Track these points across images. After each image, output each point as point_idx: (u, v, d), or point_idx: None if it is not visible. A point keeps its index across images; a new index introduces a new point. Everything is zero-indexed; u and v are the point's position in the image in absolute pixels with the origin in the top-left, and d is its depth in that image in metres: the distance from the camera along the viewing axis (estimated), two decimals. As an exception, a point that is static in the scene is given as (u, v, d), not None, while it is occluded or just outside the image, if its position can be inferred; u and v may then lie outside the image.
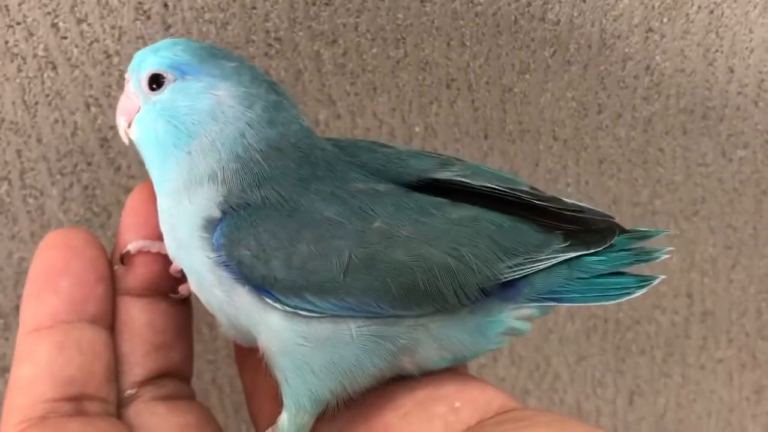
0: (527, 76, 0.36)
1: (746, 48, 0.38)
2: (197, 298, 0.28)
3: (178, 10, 0.31)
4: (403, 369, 0.27)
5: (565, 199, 0.29)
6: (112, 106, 0.33)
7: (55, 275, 0.27)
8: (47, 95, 0.32)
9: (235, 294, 0.26)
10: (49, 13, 0.30)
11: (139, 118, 0.27)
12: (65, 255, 0.27)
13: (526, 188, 0.28)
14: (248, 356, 0.30)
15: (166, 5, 0.31)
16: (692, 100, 0.38)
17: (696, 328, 0.44)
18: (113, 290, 0.28)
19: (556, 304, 0.27)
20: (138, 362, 0.28)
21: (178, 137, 0.26)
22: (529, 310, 0.28)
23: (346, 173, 0.27)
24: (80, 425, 0.26)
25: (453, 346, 0.27)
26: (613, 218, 0.29)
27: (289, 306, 0.25)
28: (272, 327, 0.26)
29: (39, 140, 0.32)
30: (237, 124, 0.26)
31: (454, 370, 0.28)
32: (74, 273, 0.27)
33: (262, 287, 0.26)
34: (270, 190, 0.26)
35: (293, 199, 0.26)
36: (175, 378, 0.29)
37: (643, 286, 0.27)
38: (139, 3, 0.31)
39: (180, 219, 0.27)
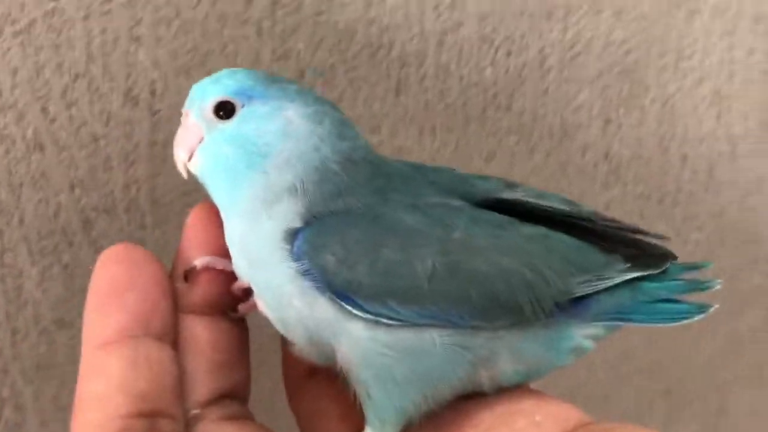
0: (493, 163, 0.38)
1: (697, 137, 0.40)
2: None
3: (165, 96, 0.33)
4: (479, 383, 0.27)
5: (624, 222, 0.30)
6: (97, 189, 0.34)
7: (120, 289, 0.26)
8: (33, 177, 0.32)
9: (317, 304, 0.26)
10: (40, 98, 0.31)
11: (203, 148, 0.27)
12: (129, 269, 0.27)
13: (589, 211, 0.29)
14: (304, 382, 0.30)
15: (153, 92, 0.33)
16: (648, 185, 0.41)
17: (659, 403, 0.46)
18: (175, 307, 0.28)
19: (622, 323, 0.28)
20: (202, 381, 0.28)
21: (251, 159, 0.26)
22: (596, 329, 0.28)
23: (419, 188, 0.27)
24: None
25: (527, 359, 0.27)
26: (668, 239, 0.30)
27: (371, 313, 0.25)
28: (354, 337, 0.26)
29: (21, 221, 0.33)
30: (310, 139, 0.27)
31: (528, 388, 0.28)
32: (139, 287, 0.26)
33: (345, 294, 0.25)
34: (351, 199, 0.26)
35: (374, 208, 0.26)
36: (235, 399, 0.29)
37: (702, 312, 0.28)
38: (129, 89, 0.32)
39: (257, 236, 0.26)
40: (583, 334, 0.28)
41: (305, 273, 0.26)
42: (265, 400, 0.32)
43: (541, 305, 0.27)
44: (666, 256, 0.29)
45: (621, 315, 0.28)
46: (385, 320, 0.25)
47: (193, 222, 0.28)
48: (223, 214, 0.28)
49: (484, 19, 0.35)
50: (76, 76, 0.32)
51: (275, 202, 0.26)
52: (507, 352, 0.27)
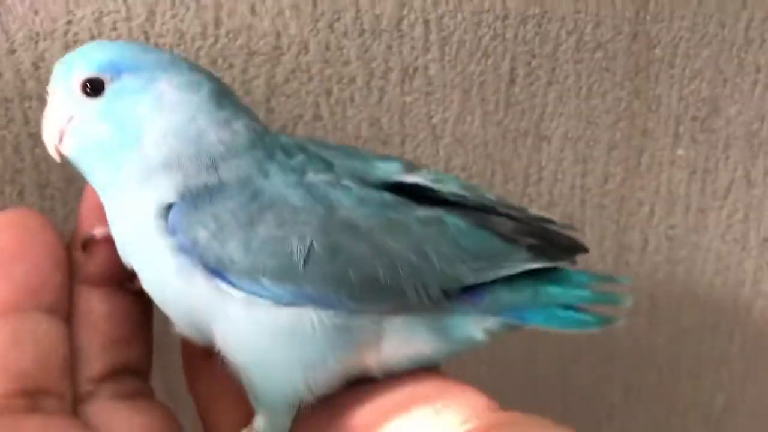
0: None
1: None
2: None
3: None
4: (367, 367, 0.26)
5: (530, 210, 0.29)
6: None
7: (8, 259, 0.25)
8: None
9: (194, 282, 0.25)
10: None
11: (73, 128, 0.26)
12: (21, 237, 0.25)
13: (491, 197, 0.28)
14: (201, 363, 0.29)
15: None
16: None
17: None
18: (70, 278, 0.26)
19: (519, 322, 0.27)
20: (96, 356, 0.26)
21: (125, 136, 0.25)
22: (491, 323, 0.27)
23: (307, 163, 0.26)
24: (39, 423, 0.24)
25: (415, 346, 0.26)
26: (576, 229, 0.29)
27: (245, 291, 0.24)
28: (231, 318, 0.25)
29: None
30: (186, 110, 0.25)
31: (432, 371, 0.27)
32: (30, 258, 0.25)
33: (218, 270, 0.24)
34: (229, 172, 0.25)
35: (254, 181, 0.25)
36: (134, 375, 0.28)
37: (603, 324, 0.27)
38: None
39: (134, 213, 0.25)
40: (476, 325, 0.27)
41: (180, 248, 0.25)
42: (174, 377, 0.30)
43: (426, 291, 0.25)
44: (575, 248, 0.28)
45: (517, 313, 0.27)
46: (260, 299, 0.24)
47: (91, 193, 0.27)
48: (100, 195, 0.26)
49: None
50: None
51: (151, 177, 0.25)
52: (393, 337, 0.26)
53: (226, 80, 0.33)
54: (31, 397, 0.24)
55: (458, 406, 0.25)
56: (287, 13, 0.33)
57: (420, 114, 0.36)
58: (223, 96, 0.27)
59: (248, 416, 0.27)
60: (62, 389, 0.25)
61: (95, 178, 0.26)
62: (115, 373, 0.27)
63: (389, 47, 0.34)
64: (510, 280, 0.27)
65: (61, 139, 0.26)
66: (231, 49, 0.33)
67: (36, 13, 0.30)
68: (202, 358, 0.28)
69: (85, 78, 0.26)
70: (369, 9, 0.33)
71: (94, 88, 0.26)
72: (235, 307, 0.25)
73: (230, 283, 0.24)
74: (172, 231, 0.25)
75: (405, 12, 0.34)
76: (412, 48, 0.34)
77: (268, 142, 0.26)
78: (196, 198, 0.25)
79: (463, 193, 0.28)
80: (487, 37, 0.35)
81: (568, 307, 0.28)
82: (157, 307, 0.27)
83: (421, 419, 0.25)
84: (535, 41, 0.36)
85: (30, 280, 0.25)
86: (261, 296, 0.24)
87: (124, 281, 0.28)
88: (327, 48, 0.33)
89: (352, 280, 0.25)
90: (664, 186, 0.40)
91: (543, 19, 0.36)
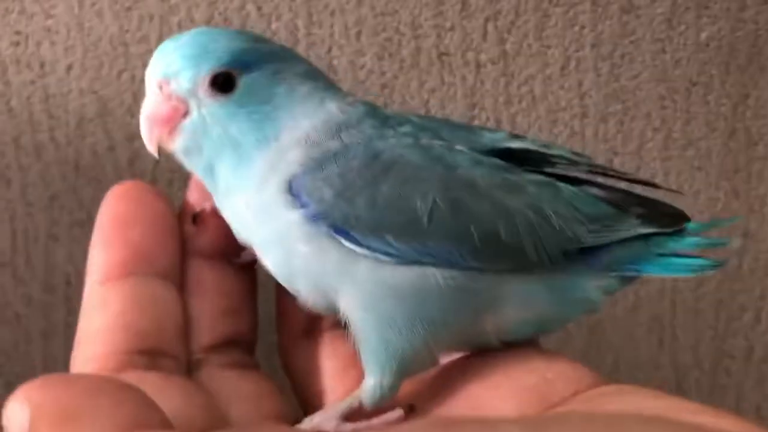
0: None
1: (632, 364, 0.38)
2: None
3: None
4: (484, 331, 0.26)
5: (634, 175, 0.30)
6: (21, 357, 0.37)
7: (124, 225, 0.26)
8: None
9: (323, 246, 0.25)
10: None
11: (193, 125, 0.26)
12: (135, 205, 0.26)
13: (599, 164, 0.29)
14: (299, 341, 0.29)
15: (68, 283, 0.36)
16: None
17: None
18: (182, 248, 0.27)
19: (636, 274, 0.27)
20: (206, 326, 0.27)
21: (262, 131, 0.25)
22: (608, 280, 0.27)
23: (418, 131, 0.27)
24: (160, 380, 0.24)
25: (534, 308, 0.26)
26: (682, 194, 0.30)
27: (370, 249, 0.25)
28: (358, 279, 0.25)
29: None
30: (314, 96, 0.26)
31: (539, 347, 0.27)
32: (145, 224, 0.26)
33: (344, 229, 0.25)
34: (350, 137, 0.26)
35: (374, 144, 0.25)
36: (240, 346, 0.28)
37: (717, 266, 0.27)
38: (47, 277, 0.36)
39: (257, 197, 0.25)
40: (594, 285, 0.27)
41: (309, 217, 0.25)
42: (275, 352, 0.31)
43: (546, 250, 0.25)
44: (680, 216, 0.28)
45: (634, 266, 0.27)
46: (383, 257, 0.25)
47: None
48: (215, 191, 0.27)
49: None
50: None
51: (280, 162, 0.25)
52: (512, 298, 0.26)
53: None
54: (150, 356, 0.25)
55: (567, 377, 0.25)
56: (359, 114, 0.34)
57: (492, 210, 0.36)
58: (330, 80, 0.28)
59: (346, 391, 0.27)
60: (177, 352, 0.26)
61: (219, 176, 0.26)
62: (224, 344, 0.27)
63: (460, 146, 0.35)
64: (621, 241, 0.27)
65: (170, 135, 0.26)
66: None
67: (132, 115, 0.34)
68: (301, 337, 0.29)
69: (216, 72, 0.25)
70: (439, 109, 0.34)
71: (224, 83, 0.25)
72: (361, 267, 0.25)
73: (356, 241, 0.25)
74: (297, 194, 0.25)
75: (476, 112, 0.34)
76: (484, 146, 0.35)
77: (379, 113, 0.27)
78: (320, 163, 0.25)
79: (571, 156, 0.28)
80: (564, 135, 0.35)
81: (681, 255, 0.27)
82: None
83: (532, 388, 0.25)
84: (617, 139, 0.35)
85: (145, 245, 0.26)
86: (386, 254, 0.25)
87: (231, 255, 0.28)
88: (397, 146, 0.35)
89: (474, 237, 0.25)
90: (772, 291, 0.37)
91: (626, 116, 0.35)
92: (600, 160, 0.35)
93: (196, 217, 0.28)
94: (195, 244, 0.27)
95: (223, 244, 0.27)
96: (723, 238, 0.29)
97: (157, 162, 0.32)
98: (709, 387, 0.38)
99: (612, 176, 0.28)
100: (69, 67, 0.34)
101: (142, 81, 0.34)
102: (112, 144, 0.35)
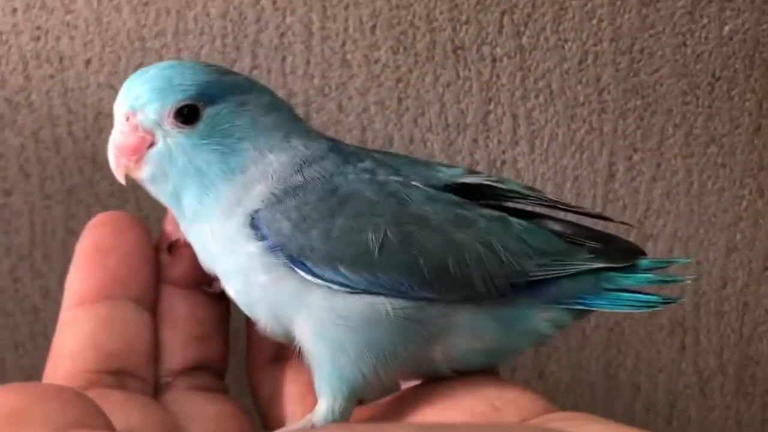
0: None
1: (653, 367, 0.37)
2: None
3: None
4: (433, 359, 0.27)
5: (587, 209, 0.30)
6: (38, 349, 0.38)
7: (102, 251, 0.27)
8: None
9: (280, 276, 0.26)
10: (-12, 273, 0.36)
11: (158, 155, 0.27)
12: (114, 233, 0.27)
13: (551, 198, 0.29)
14: (266, 367, 0.30)
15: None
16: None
17: None
18: (157, 276, 0.28)
19: (584, 308, 0.28)
20: (176, 351, 0.28)
21: (227, 162, 0.26)
22: (556, 312, 0.28)
23: (377, 168, 0.28)
24: (123, 397, 0.25)
25: (482, 338, 0.27)
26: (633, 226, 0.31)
27: (323, 279, 0.26)
28: (312, 307, 0.26)
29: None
30: (279, 128, 0.27)
31: (496, 375, 0.28)
32: (121, 251, 0.27)
33: (299, 260, 0.26)
34: (312, 172, 0.27)
35: (333, 179, 0.27)
36: (210, 371, 0.29)
37: (668, 303, 0.28)
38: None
39: (221, 229, 0.27)
40: (542, 317, 0.27)
41: (268, 248, 0.26)
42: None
43: (494, 282, 0.26)
44: (635, 251, 0.29)
45: (582, 300, 0.28)
46: (336, 287, 0.26)
47: None
48: (182, 218, 0.28)
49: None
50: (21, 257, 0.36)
51: (247, 195, 0.26)
52: (461, 329, 0.26)
53: (314, 171, 0.35)
54: (118, 376, 0.26)
55: (517, 404, 0.25)
56: (372, 109, 0.34)
57: (508, 207, 0.35)
58: (294, 112, 0.29)
59: (306, 415, 0.27)
60: (145, 374, 0.27)
61: (185, 204, 0.27)
62: (193, 368, 0.28)
63: (475, 141, 0.34)
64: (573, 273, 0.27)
65: (136, 164, 0.27)
66: (320, 142, 0.35)
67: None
68: (268, 362, 0.30)
69: (181, 104, 0.26)
70: (454, 104, 0.34)
71: (189, 115, 0.26)
72: (315, 296, 0.26)
73: (311, 271, 0.26)
74: (258, 228, 0.26)
75: (491, 107, 0.34)
76: (499, 142, 0.34)
77: (342, 148, 0.28)
78: (281, 198, 0.26)
79: (524, 191, 0.28)
80: (582, 131, 0.34)
81: (631, 291, 0.28)
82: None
83: (480, 415, 0.25)
84: (636, 135, 0.34)
85: (121, 272, 0.27)
86: (338, 284, 0.26)
87: (204, 283, 0.29)
88: (411, 141, 0.34)
89: (424, 269, 0.26)
90: (801, 294, 0.35)
91: (645, 111, 0.34)
92: (620, 157, 0.34)
93: (171, 247, 0.29)
94: (169, 273, 0.28)
95: (196, 274, 0.29)
96: (676, 276, 0.29)
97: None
98: (733, 393, 0.37)
99: (565, 210, 0.29)
100: (87, 62, 0.34)
101: (159, 75, 0.35)
102: (129, 138, 0.35)
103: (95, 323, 0.26)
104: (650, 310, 0.28)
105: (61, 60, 0.34)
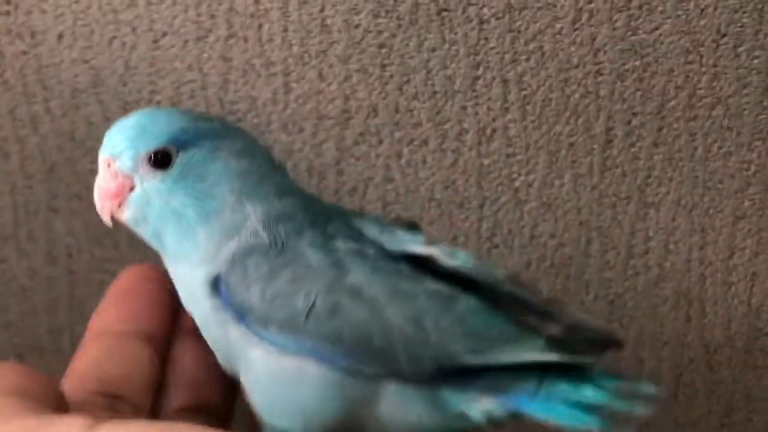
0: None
1: (658, 340, 0.35)
2: None
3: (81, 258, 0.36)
4: (364, 423, 0.27)
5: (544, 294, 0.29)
6: (27, 329, 0.37)
7: (123, 294, 0.30)
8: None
9: (228, 329, 0.28)
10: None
11: (138, 198, 0.28)
12: (137, 280, 0.30)
13: (501, 278, 0.27)
14: None
15: (70, 255, 0.36)
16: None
17: None
18: (172, 320, 0.30)
19: (514, 410, 0.26)
20: (180, 392, 0.30)
21: (202, 206, 0.28)
22: (490, 405, 0.27)
23: (339, 231, 0.28)
24: (110, 415, 0.28)
25: (411, 414, 0.27)
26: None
27: (259, 337, 0.27)
28: (251, 361, 0.27)
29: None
30: (251, 173, 0.28)
31: None
32: (140, 295, 0.30)
33: (242, 315, 0.27)
34: (278, 229, 0.28)
35: (288, 241, 0.27)
36: (211, 414, 0.30)
37: (607, 431, 0.25)
38: (50, 248, 0.36)
39: (190, 277, 0.28)
40: (472, 404, 0.27)
41: (220, 303, 0.28)
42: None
43: (419, 363, 0.26)
44: (608, 343, 0.26)
45: (514, 398, 0.26)
46: (270, 346, 0.27)
47: None
48: (166, 258, 0.29)
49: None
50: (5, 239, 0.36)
51: (219, 252, 0.28)
52: (388, 402, 0.27)
53: (297, 144, 0.34)
54: (111, 399, 0.28)
55: None
56: (354, 77, 0.32)
57: (500, 177, 0.33)
58: (271, 158, 0.29)
59: None
60: (140, 402, 0.28)
61: (165, 246, 0.28)
62: (194, 409, 0.30)
63: (463, 108, 0.32)
64: (518, 366, 0.26)
65: (119, 207, 0.28)
66: (301, 114, 0.33)
67: (124, 84, 0.33)
68: None
69: (153, 151, 0.28)
70: (440, 70, 0.32)
71: (162, 160, 0.28)
72: (253, 353, 0.27)
73: (251, 329, 0.27)
74: (217, 285, 0.28)
75: (480, 72, 0.32)
76: (489, 109, 0.32)
77: (312, 207, 0.29)
78: (240, 257, 0.28)
79: (467, 270, 0.27)
80: (577, 95, 0.32)
81: (576, 404, 0.26)
82: None
83: None
84: (635, 98, 0.32)
85: (133, 313, 0.30)
86: (272, 344, 0.27)
87: None
88: (396, 110, 0.33)
89: (346, 340, 0.26)
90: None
91: (645, 73, 0.32)
92: (618, 122, 0.32)
93: None
94: (183, 322, 0.31)
95: None
96: (630, 403, 0.26)
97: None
98: (741, 366, 0.35)
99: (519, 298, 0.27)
100: (60, 36, 0.33)
101: (133, 48, 0.34)
102: (107, 114, 0.34)
103: (99, 352, 0.29)
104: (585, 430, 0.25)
105: (33, 35, 0.33)
